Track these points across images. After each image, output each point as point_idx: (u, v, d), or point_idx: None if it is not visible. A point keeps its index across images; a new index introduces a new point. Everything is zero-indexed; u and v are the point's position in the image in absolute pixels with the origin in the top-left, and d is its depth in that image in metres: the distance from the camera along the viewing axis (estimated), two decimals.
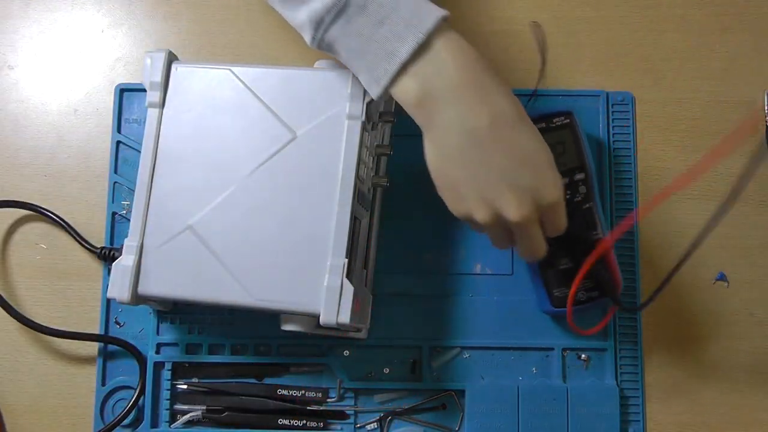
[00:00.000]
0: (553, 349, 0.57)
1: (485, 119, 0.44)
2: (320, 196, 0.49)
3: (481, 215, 0.46)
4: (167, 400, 0.56)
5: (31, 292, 0.58)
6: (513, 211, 0.44)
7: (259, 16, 0.62)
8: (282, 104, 0.51)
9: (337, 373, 0.56)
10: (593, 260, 0.49)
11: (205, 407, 0.56)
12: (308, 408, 0.56)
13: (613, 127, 0.59)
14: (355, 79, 0.50)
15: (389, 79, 0.45)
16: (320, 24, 0.46)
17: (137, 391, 0.56)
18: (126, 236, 0.51)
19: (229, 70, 0.52)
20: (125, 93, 0.60)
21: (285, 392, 0.56)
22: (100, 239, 0.59)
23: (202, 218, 0.50)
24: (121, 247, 0.51)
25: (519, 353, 0.57)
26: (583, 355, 0.57)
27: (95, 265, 0.59)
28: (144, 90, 0.53)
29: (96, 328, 0.57)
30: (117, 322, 0.58)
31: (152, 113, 0.52)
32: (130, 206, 0.58)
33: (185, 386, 0.56)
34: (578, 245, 0.53)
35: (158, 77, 0.52)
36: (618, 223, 0.58)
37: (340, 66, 0.54)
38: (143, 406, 0.56)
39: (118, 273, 0.50)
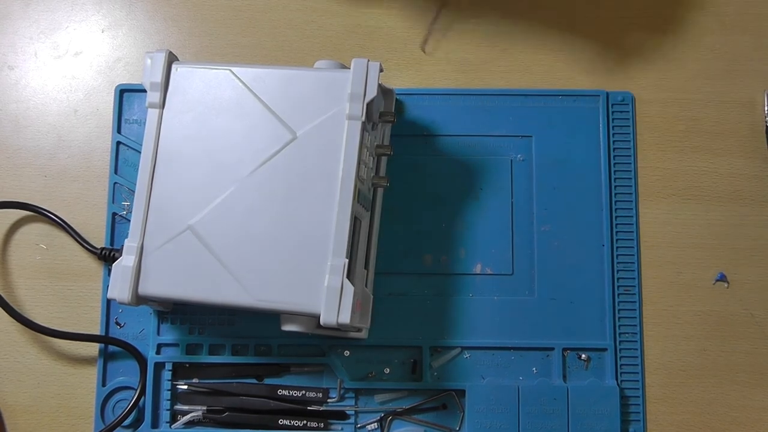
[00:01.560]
0: (553, 349, 0.57)
1: None
2: (320, 197, 0.49)
3: None
4: (168, 400, 0.56)
5: (31, 293, 0.58)
6: None
7: (259, 16, 0.62)
8: (282, 104, 0.51)
9: (337, 374, 0.56)
10: None
11: (205, 407, 0.56)
12: (308, 408, 0.56)
13: (613, 127, 0.59)
14: (356, 79, 0.50)
15: None
16: None
17: (138, 392, 0.56)
18: (126, 237, 0.51)
19: (229, 70, 0.52)
20: (125, 93, 0.60)
21: (285, 392, 0.56)
22: (100, 240, 0.59)
23: (202, 219, 0.50)
24: (122, 248, 0.51)
25: (519, 353, 0.57)
26: (583, 355, 0.57)
27: (95, 266, 0.59)
28: (144, 90, 0.53)
29: (96, 329, 0.58)
30: (117, 323, 0.58)
31: (152, 114, 0.52)
32: (130, 207, 0.58)
33: (186, 387, 0.56)
34: None
35: (158, 77, 0.52)
36: (617, 220, 0.58)
37: (341, 66, 0.54)
38: (144, 406, 0.56)
39: (119, 273, 0.50)
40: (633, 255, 0.58)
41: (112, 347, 0.57)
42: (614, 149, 0.59)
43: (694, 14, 0.62)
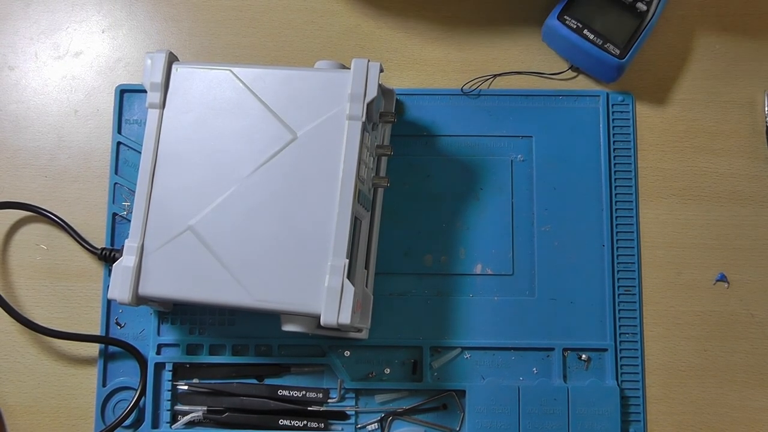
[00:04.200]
0: (553, 349, 0.57)
1: None
2: (321, 197, 0.49)
3: None
4: (168, 400, 0.56)
5: (32, 293, 0.58)
6: None
7: (259, 16, 0.62)
8: (282, 105, 0.51)
9: (337, 374, 0.56)
10: None
11: (206, 408, 0.56)
12: (309, 408, 0.56)
13: (613, 127, 0.60)
14: (356, 79, 0.50)
15: None
16: None
17: (138, 392, 0.56)
18: (126, 237, 0.51)
19: (230, 70, 0.52)
20: (125, 94, 0.61)
21: (286, 393, 0.56)
22: (100, 240, 0.59)
23: (202, 219, 0.50)
24: (122, 248, 0.51)
25: (519, 353, 0.57)
26: (583, 356, 0.57)
27: (96, 266, 0.59)
28: (144, 91, 0.53)
29: (97, 329, 0.58)
30: (117, 323, 0.58)
31: (152, 114, 0.52)
32: (130, 207, 0.58)
33: (186, 387, 0.56)
34: None
35: (158, 78, 0.52)
36: (617, 225, 0.58)
37: (341, 66, 0.54)
38: (144, 406, 0.56)
39: (119, 274, 0.50)
40: (633, 255, 0.58)
41: (113, 347, 0.57)
42: (614, 149, 0.59)
43: (694, 14, 0.62)
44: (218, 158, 0.51)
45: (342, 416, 0.56)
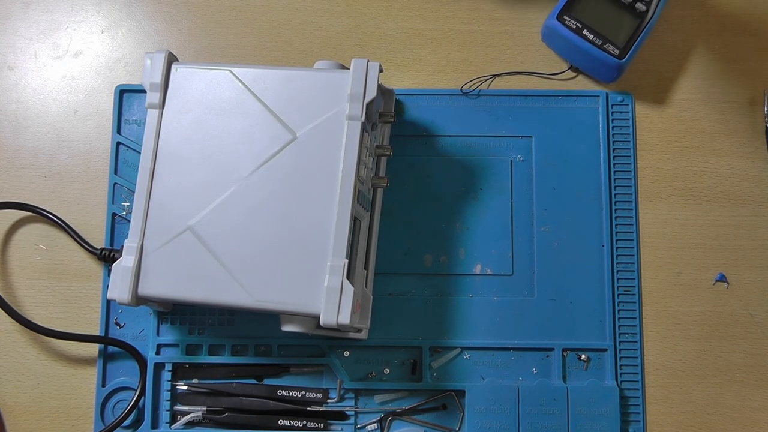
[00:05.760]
0: (553, 349, 0.57)
1: None
2: (320, 197, 0.49)
3: None
4: (167, 401, 0.56)
5: (31, 293, 0.58)
6: None
7: (259, 17, 0.62)
8: (282, 105, 0.51)
9: (337, 374, 0.56)
10: None
11: (205, 408, 0.56)
12: (308, 409, 0.56)
13: (613, 127, 0.60)
14: (355, 79, 0.50)
15: None
16: None
17: (137, 392, 0.56)
18: (126, 237, 0.51)
19: (229, 70, 0.52)
20: (125, 94, 0.61)
21: (285, 393, 0.56)
22: (100, 240, 0.59)
23: (202, 219, 0.50)
24: (121, 248, 0.51)
25: (519, 353, 0.57)
26: (583, 356, 0.57)
27: (95, 266, 0.59)
28: (144, 91, 0.53)
29: (96, 329, 0.58)
30: (117, 323, 0.58)
31: (152, 114, 0.52)
32: (130, 207, 0.58)
33: (185, 387, 0.56)
34: None
35: (158, 78, 0.52)
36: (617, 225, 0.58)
37: (341, 66, 0.54)
38: (143, 407, 0.56)
39: (118, 274, 0.50)
40: (633, 255, 0.58)
41: (112, 348, 0.57)
42: (614, 149, 0.59)
43: (694, 14, 0.62)
44: (218, 158, 0.51)
45: (341, 416, 0.56)
